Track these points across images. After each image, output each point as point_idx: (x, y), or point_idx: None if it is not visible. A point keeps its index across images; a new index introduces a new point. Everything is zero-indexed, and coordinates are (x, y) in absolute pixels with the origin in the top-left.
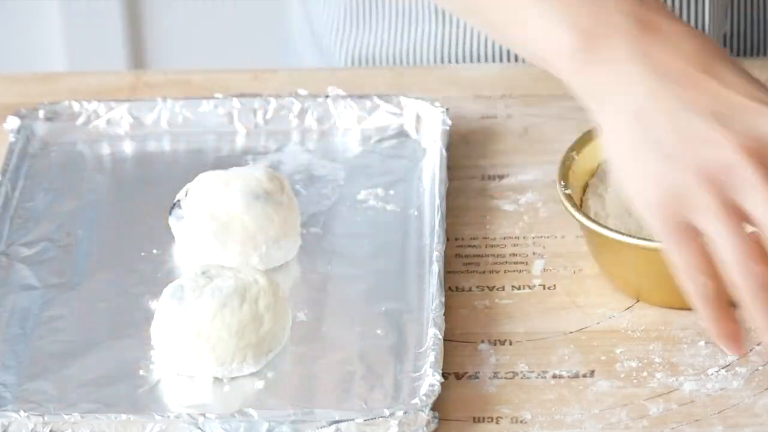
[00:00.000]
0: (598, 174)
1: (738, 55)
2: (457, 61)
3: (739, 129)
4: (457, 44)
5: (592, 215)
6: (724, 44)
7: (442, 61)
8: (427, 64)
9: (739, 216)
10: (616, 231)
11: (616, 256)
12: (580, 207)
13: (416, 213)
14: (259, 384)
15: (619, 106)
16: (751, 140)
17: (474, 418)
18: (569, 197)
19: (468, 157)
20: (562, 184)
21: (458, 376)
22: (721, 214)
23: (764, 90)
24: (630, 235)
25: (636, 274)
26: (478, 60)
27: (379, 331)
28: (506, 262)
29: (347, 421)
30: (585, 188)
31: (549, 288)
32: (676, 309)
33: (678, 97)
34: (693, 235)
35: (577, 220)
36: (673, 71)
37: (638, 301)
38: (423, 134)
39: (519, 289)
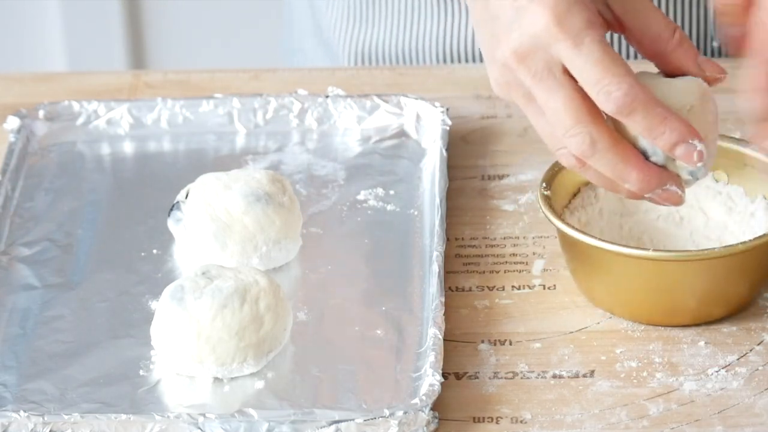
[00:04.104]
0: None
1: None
2: (459, 58)
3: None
4: (459, 40)
5: (575, 221)
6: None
7: (445, 58)
8: (431, 61)
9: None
10: (590, 235)
11: (590, 263)
12: (562, 212)
13: (416, 213)
14: (259, 384)
15: None
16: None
17: (474, 418)
18: (546, 198)
19: (468, 157)
20: (544, 185)
21: (458, 376)
22: (535, 85)
23: None
24: (604, 240)
25: (609, 284)
26: (481, 56)
27: (379, 331)
28: (506, 262)
29: (347, 421)
30: (575, 195)
31: (549, 288)
32: (653, 325)
33: None
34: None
35: (550, 221)
36: None
37: (612, 315)
38: (423, 134)
39: (519, 289)
